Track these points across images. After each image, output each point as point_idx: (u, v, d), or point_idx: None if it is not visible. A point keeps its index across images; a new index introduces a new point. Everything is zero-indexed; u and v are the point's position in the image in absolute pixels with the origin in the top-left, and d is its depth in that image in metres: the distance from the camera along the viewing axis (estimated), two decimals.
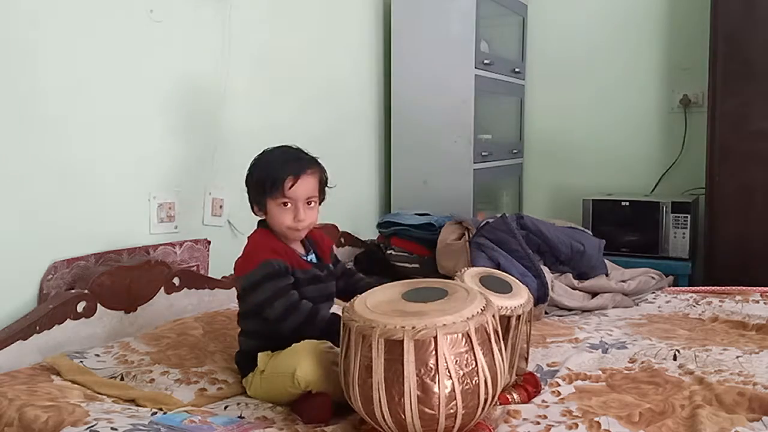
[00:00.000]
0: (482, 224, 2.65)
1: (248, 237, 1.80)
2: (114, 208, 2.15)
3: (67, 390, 1.63)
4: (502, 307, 1.51)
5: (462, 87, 3.18)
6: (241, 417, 1.56)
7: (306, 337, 1.61)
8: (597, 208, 3.34)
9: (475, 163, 3.22)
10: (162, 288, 2.18)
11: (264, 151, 1.79)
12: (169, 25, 2.29)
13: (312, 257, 1.81)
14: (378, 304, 1.37)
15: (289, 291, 1.66)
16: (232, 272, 1.81)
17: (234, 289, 2.46)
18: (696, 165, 3.29)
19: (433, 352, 1.26)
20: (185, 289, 2.26)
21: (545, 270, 2.48)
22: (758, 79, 2.96)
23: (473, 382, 1.29)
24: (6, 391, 1.55)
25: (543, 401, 1.57)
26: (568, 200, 3.68)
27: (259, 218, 1.79)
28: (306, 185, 1.71)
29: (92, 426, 1.40)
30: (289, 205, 1.70)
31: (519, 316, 1.57)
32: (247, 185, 1.77)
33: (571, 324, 2.21)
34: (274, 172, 1.70)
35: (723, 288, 2.58)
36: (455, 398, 1.27)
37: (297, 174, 1.69)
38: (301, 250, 1.79)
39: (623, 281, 2.58)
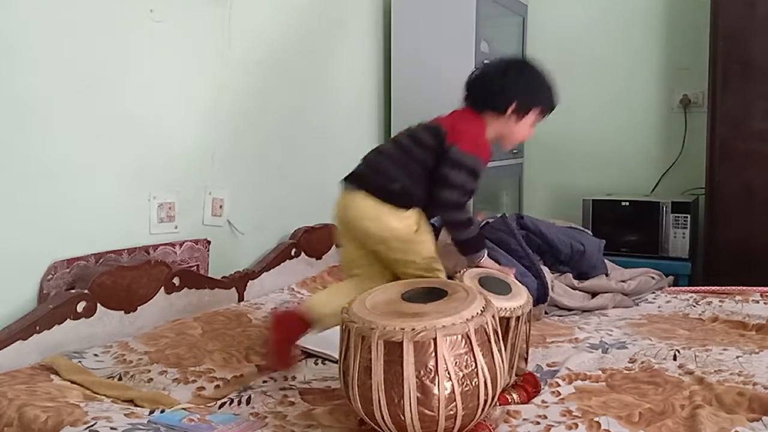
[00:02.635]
0: (482, 224, 2.65)
1: (469, 116, 1.86)
2: (114, 208, 2.15)
3: (67, 390, 1.63)
4: (501, 309, 1.51)
5: (462, 87, 3.16)
6: (235, 415, 1.56)
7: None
8: (597, 208, 3.34)
9: None
10: (162, 288, 2.18)
11: (542, 70, 1.88)
12: (169, 24, 2.29)
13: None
14: (377, 305, 1.37)
15: (472, 193, 1.82)
16: (446, 132, 1.81)
17: (235, 288, 2.48)
18: (696, 165, 3.29)
19: (433, 354, 1.26)
20: (185, 289, 2.26)
21: (545, 270, 2.48)
22: (758, 79, 2.96)
23: (473, 383, 1.29)
24: (6, 391, 1.56)
25: (543, 401, 1.57)
26: (568, 200, 3.68)
27: (484, 110, 1.85)
28: None
29: (91, 426, 1.40)
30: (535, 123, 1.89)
31: (518, 317, 1.57)
32: (526, 87, 1.85)
33: (571, 324, 2.22)
34: (554, 100, 1.88)
35: (723, 288, 2.57)
36: (455, 400, 1.27)
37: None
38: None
39: (623, 281, 2.58)
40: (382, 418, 1.28)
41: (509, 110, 1.83)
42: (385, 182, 1.78)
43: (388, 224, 1.75)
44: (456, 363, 1.27)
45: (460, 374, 1.27)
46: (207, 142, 2.47)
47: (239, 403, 1.64)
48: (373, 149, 1.93)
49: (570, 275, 2.57)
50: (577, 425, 1.42)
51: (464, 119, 1.86)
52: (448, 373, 1.26)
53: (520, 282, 1.78)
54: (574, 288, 2.52)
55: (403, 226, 1.77)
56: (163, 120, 2.30)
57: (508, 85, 1.84)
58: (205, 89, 2.46)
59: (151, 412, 1.51)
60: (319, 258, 2.89)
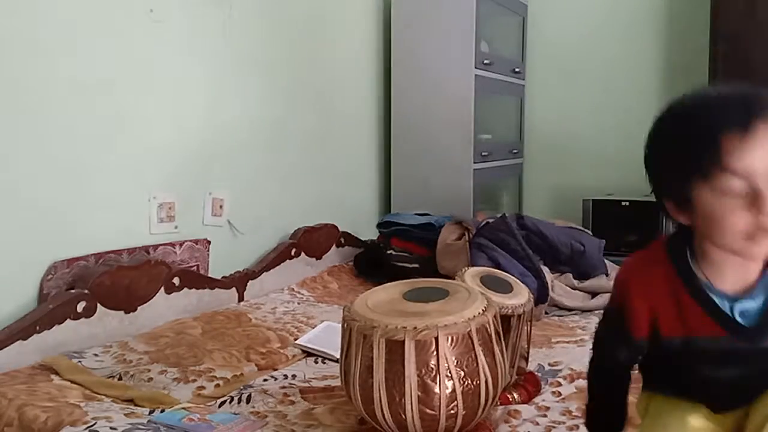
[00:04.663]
0: (482, 224, 2.65)
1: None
2: (114, 208, 2.15)
3: (67, 390, 1.63)
4: (503, 306, 1.51)
5: (462, 87, 3.18)
6: (235, 414, 1.56)
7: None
8: (597, 208, 3.34)
9: (475, 163, 3.22)
10: (162, 288, 2.18)
11: (683, 97, 1.03)
12: (168, 24, 2.29)
13: (752, 304, 0.98)
14: (379, 304, 1.36)
15: (600, 348, 1.19)
16: None
17: (235, 288, 2.48)
18: None
19: (434, 353, 1.26)
20: (185, 289, 2.26)
21: (545, 270, 2.48)
22: (758, 79, 2.95)
23: (474, 382, 1.29)
24: (6, 391, 1.55)
25: (543, 401, 1.57)
26: (568, 200, 3.68)
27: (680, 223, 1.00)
28: None
29: (91, 426, 1.40)
30: (743, 190, 0.89)
31: (520, 316, 1.57)
32: (649, 161, 1.02)
33: (573, 324, 2.22)
34: (702, 129, 0.93)
35: None
36: (456, 399, 1.27)
37: (749, 125, 0.89)
38: (739, 284, 0.98)
39: None
40: (383, 416, 1.28)
41: (670, 207, 1.00)
42: None
43: None
44: (457, 362, 1.27)
45: (461, 373, 1.27)
46: (207, 142, 2.47)
47: (239, 402, 1.64)
48: None
49: (570, 275, 2.57)
50: (578, 426, 1.42)
51: None
52: (450, 372, 1.26)
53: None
54: (574, 288, 2.52)
55: None
56: (164, 120, 2.30)
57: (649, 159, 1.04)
58: (204, 89, 2.46)
59: (151, 412, 1.51)
60: (319, 258, 2.89)
